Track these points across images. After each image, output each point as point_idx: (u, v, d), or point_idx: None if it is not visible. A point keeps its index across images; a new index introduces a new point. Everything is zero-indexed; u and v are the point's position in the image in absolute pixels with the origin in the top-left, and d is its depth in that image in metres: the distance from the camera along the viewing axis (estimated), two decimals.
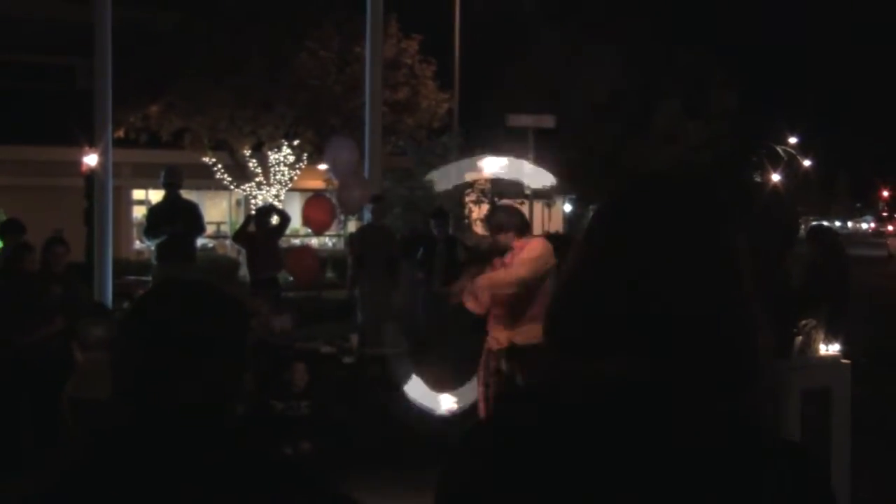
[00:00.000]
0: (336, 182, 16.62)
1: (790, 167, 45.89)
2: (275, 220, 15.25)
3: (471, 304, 8.39)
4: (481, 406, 8.51)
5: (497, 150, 32.18)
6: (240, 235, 15.31)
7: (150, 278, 15.81)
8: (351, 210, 17.27)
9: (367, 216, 14.12)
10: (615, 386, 1.66)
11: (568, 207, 45.01)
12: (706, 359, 1.65)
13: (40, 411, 9.44)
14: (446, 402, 9.09)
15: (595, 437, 1.62)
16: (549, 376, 1.78)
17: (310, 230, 19.35)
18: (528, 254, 8.30)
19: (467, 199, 29.99)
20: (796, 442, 1.74)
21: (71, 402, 9.73)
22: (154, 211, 14.21)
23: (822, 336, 7.69)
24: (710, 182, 1.81)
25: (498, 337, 8.32)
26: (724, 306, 1.68)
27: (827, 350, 7.74)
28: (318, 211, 16.57)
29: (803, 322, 7.63)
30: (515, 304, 8.26)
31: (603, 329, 1.68)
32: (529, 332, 8.25)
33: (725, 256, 1.71)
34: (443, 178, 13.18)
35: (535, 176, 11.54)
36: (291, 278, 16.40)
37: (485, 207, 29.56)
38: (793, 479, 1.63)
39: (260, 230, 14.81)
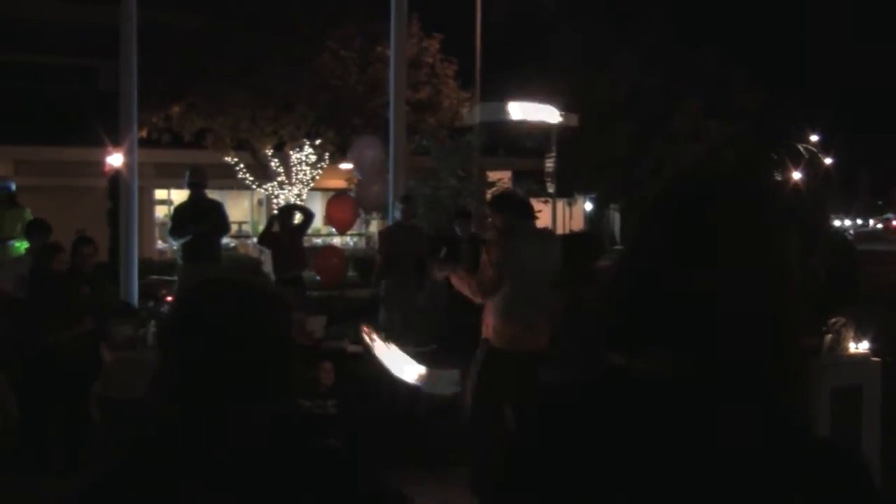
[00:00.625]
0: (358, 179, 16.64)
1: (811, 165, 45.69)
2: (298, 217, 15.26)
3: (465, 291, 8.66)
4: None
5: (519, 149, 32.19)
6: (265, 236, 15.32)
7: (174, 278, 15.84)
8: (370, 207, 17.23)
9: (396, 215, 14.10)
10: (659, 382, 1.65)
11: (589, 206, 44.97)
12: (751, 357, 1.65)
13: (69, 411, 9.47)
14: (412, 374, 9.11)
15: (637, 433, 1.62)
16: (593, 371, 1.78)
17: (332, 229, 19.35)
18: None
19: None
20: (839, 442, 1.73)
21: (100, 402, 9.77)
22: (179, 210, 14.22)
23: (851, 334, 7.66)
24: (759, 180, 1.78)
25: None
26: (771, 305, 1.67)
27: (856, 348, 7.71)
28: (341, 210, 16.59)
29: (833, 320, 7.60)
30: None
31: (648, 324, 1.68)
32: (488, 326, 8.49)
33: (775, 255, 1.71)
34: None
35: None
36: (318, 277, 16.40)
37: None
38: (835, 479, 1.62)
39: (284, 229, 14.82)
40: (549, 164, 26.49)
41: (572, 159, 29.42)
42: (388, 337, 10.22)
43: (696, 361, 1.64)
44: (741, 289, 1.65)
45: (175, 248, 14.66)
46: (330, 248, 17.12)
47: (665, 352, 1.66)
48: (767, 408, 1.65)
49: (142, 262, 17.96)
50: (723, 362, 1.64)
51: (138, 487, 2.09)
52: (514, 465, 1.75)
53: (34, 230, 12.19)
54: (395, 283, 13.29)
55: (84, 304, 9.74)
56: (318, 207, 27.65)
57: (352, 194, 18.63)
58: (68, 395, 9.39)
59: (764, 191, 1.81)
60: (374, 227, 31.43)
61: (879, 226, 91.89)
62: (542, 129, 26.64)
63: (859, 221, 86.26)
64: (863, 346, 7.73)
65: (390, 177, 14.78)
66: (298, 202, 26.09)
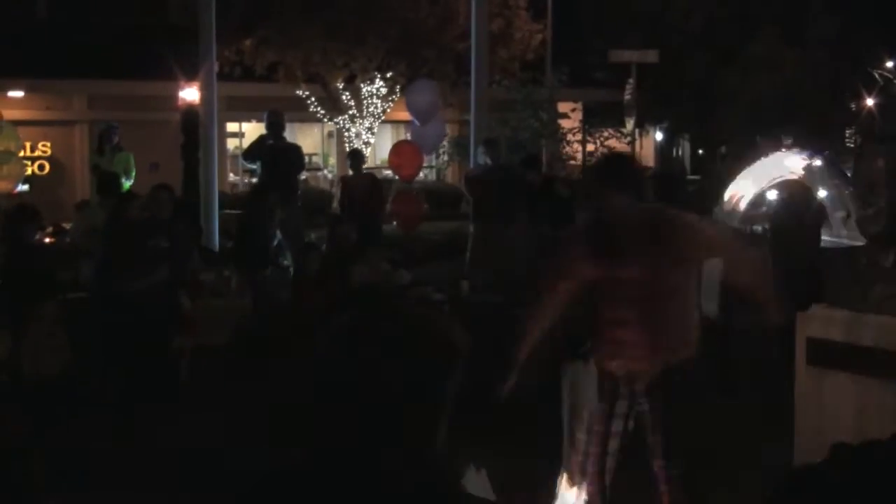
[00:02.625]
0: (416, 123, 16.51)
1: (886, 92, 44.54)
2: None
3: None
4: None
5: (596, 83, 31.69)
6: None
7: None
8: (429, 149, 16.99)
9: (480, 160, 13.77)
10: None
11: (660, 136, 44.28)
12: None
13: (150, 360, 9.39)
14: None
15: None
16: None
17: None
18: None
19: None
20: None
21: (182, 350, 9.74)
22: (254, 144, 14.37)
23: None
24: None
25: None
26: None
27: None
28: (403, 157, 16.34)
29: None
30: None
31: None
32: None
33: None
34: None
35: None
36: (395, 223, 16.12)
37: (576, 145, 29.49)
38: None
39: (356, 172, 14.75)
40: (628, 95, 26.05)
41: (645, 90, 28.91)
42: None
43: None
44: None
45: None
46: (405, 194, 16.65)
47: None
48: None
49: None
50: None
51: None
52: None
53: (106, 187, 12.26)
54: (482, 228, 12.98)
55: (161, 252, 9.66)
56: (388, 141, 27.53)
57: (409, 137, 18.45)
58: (147, 344, 9.33)
59: None
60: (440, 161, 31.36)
61: None
62: (619, 64, 26.19)
63: None
64: None
65: (472, 117, 14.53)
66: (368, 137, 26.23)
